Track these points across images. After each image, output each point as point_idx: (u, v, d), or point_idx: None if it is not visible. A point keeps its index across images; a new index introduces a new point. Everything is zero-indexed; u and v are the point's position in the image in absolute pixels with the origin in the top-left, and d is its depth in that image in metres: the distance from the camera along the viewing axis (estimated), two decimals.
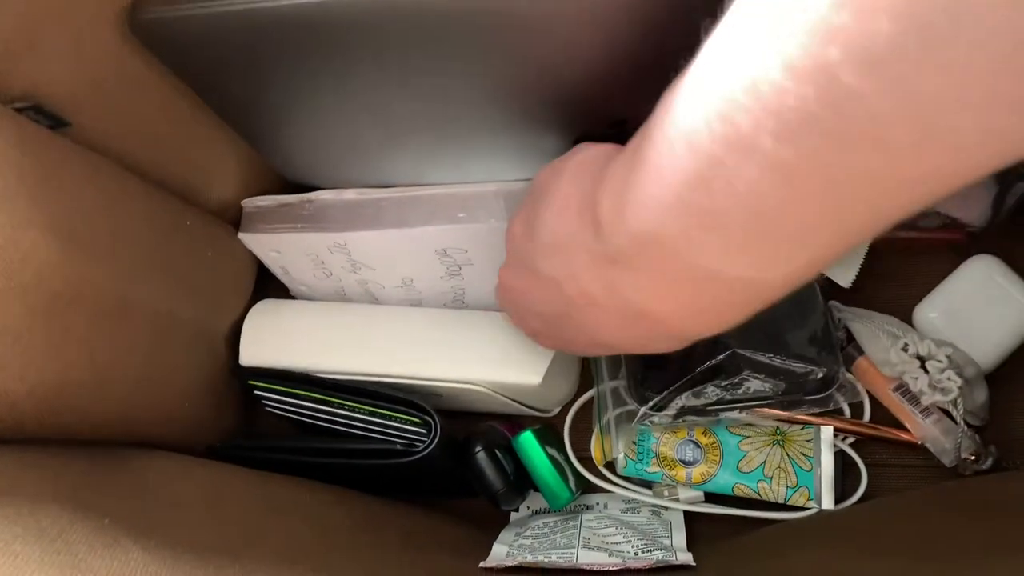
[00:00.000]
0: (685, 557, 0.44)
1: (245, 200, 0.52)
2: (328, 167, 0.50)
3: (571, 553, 0.45)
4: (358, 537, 0.44)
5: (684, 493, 0.51)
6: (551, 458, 0.50)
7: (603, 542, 0.46)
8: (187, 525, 0.38)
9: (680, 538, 0.47)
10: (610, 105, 0.43)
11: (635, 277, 0.29)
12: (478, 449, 0.49)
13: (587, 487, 0.54)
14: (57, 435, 0.37)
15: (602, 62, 0.39)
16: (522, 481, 0.51)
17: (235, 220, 0.53)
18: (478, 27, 0.36)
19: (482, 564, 0.44)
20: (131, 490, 0.38)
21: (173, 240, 0.43)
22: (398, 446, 0.47)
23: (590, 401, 0.55)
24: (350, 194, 0.52)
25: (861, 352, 0.51)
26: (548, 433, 0.52)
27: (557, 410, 0.56)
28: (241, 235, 0.52)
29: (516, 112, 0.44)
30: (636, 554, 0.45)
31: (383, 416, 0.49)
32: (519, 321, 0.41)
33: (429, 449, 0.46)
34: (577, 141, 0.46)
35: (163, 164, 0.44)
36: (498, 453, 0.50)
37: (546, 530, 0.49)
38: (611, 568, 0.43)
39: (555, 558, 0.45)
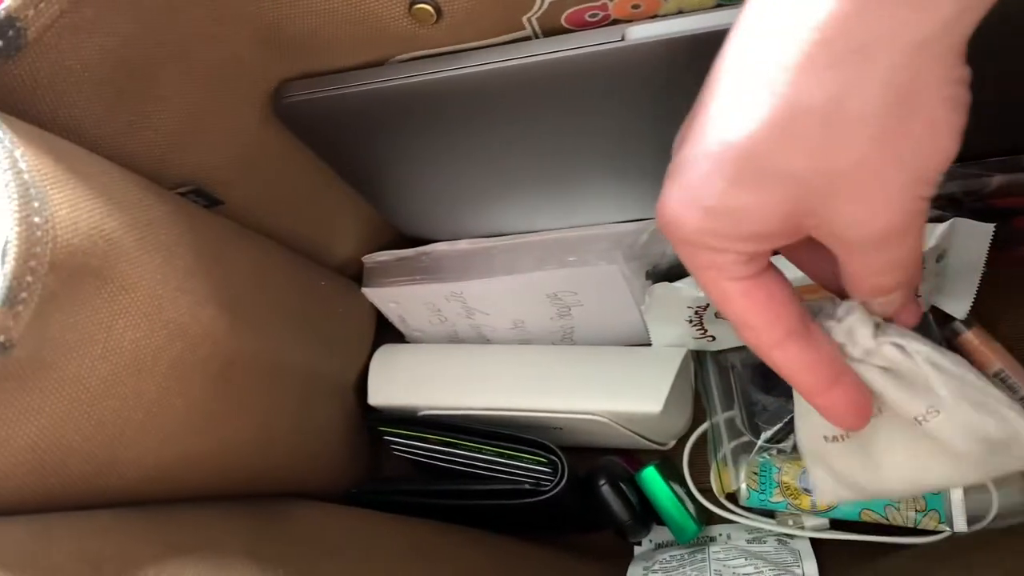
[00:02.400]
0: None
1: (366, 256, 0.55)
2: (443, 221, 0.53)
3: None
4: (492, 573, 0.46)
5: (809, 521, 0.51)
6: (673, 491, 0.51)
7: (735, 574, 0.47)
8: (336, 570, 0.40)
9: (812, 567, 0.47)
10: None
11: None
12: (602, 482, 0.51)
13: (709, 518, 0.54)
14: (226, 491, 0.40)
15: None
16: (647, 513, 0.52)
17: (355, 275, 0.56)
18: (599, 84, 0.38)
19: None
20: (292, 539, 0.40)
21: (311, 301, 0.46)
22: (526, 486, 0.49)
23: (706, 433, 0.55)
24: (463, 244, 0.54)
25: (969, 325, 0.50)
26: (668, 467, 0.53)
27: (673, 443, 0.57)
28: (364, 290, 0.55)
29: (628, 160, 0.45)
30: None
31: (509, 457, 0.51)
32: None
33: (558, 488, 0.48)
34: None
35: (296, 229, 0.47)
36: (622, 485, 0.51)
37: (674, 563, 0.50)
38: None
39: None
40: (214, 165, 0.39)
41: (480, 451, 0.51)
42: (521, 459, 0.50)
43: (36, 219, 0.25)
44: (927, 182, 0.24)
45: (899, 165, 0.23)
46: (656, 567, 0.50)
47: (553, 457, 0.49)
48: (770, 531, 0.52)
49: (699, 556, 0.50)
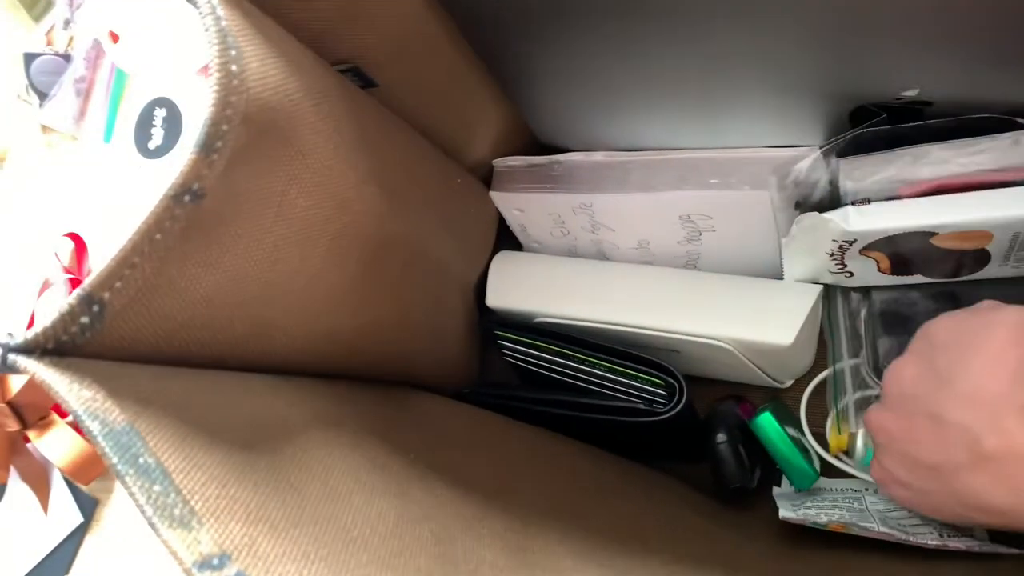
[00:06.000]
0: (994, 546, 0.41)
1: (496, 160, 0.54)
2: (583, 127, 0.51)
3: (872, 526, 0.43)
4: (605, 487, 0.46)
5: None
6: (789, 436, 0.50)
7: (899, 525, 0.44)
8: (462, 462, 0.40)
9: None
10: (897, 74, 0.41)
11: None
12: (721, 439, 0.50)
13: (824, 470, 0.52)
14: (359, 371, 0.40)
15: (897, 23, 0.37)
16: (755, 459, 0.51)
17: (484, 178, 0.55)
18: None
19: (783, 516, 0.44)
20: (417, 428, 0.41)
21: (449, 196, 0.46)
22: (640, 405, 0.48)
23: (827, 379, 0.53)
24: (598, 156, 0.52)
25: None
26: (783, 409, 0.52)
27: (791, 382, 0.55)
28: (492, 193, 0.54)
29: (791, 77, 0.43)
30: (942, 536, 0.42)
31: (623, 375, 0.50)
32: (884, 461, 0.40)
33: (675, 411, 0.47)
34: (854, 113, 0.45)
35: (438, 123, 0.46)
36: (741, 449, 0.50)
37: (826, 503, 0.48)
38: (929, 545, 0.41)
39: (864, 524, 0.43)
40: (372, 44, 0.38)
41: (594, 365, 0.51)
42: (635, 378, 0.49)
43: (233, 67, 0.25)
44: None
45: None
46: (808, 504, 0.48)
47: (671, 380, 0.48)
48: None
49: (856, 505, 0.47)
